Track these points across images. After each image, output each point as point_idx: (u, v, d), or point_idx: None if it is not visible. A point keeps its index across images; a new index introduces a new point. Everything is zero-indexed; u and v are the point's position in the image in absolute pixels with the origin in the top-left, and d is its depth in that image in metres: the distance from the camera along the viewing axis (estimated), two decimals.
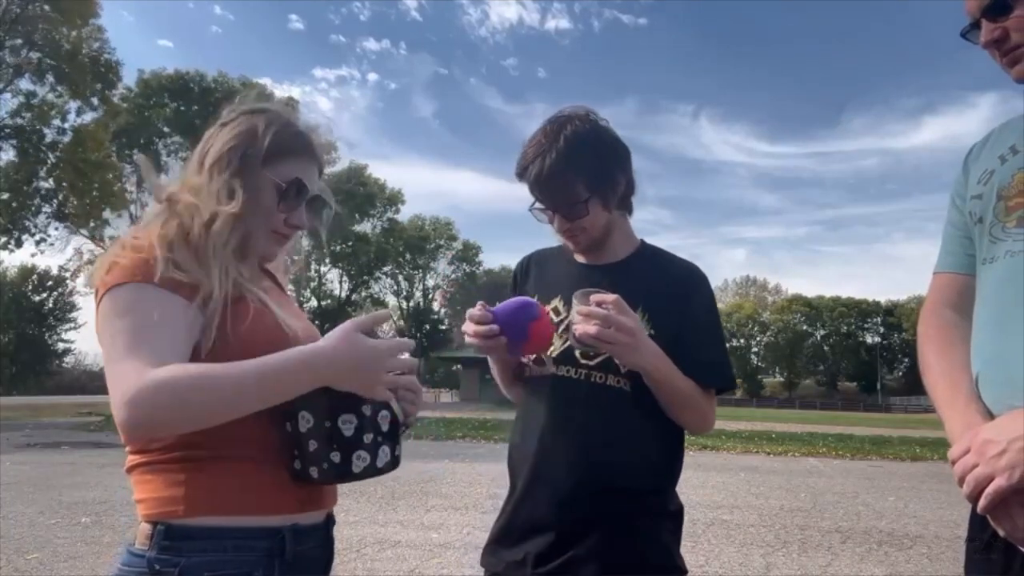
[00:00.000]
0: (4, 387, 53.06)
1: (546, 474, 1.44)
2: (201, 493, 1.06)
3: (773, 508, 7.53)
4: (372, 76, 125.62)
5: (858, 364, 79.75)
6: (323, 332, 1.28)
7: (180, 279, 1.07)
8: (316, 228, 1.32)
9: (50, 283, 61.98)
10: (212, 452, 1.07)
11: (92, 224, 30.70)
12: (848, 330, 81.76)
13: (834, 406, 59.58)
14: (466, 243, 64.12)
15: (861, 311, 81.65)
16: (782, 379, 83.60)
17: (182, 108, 36.54)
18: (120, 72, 29.40)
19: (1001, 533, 0.99)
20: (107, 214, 30.65)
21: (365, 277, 56.31)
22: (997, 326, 1.08)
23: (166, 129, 36.96)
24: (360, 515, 6.12)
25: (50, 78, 26.70)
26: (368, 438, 1.08)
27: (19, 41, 25.90)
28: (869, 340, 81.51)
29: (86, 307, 61.28)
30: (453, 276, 64.46)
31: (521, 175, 1.49)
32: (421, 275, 62.02)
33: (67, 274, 38.48)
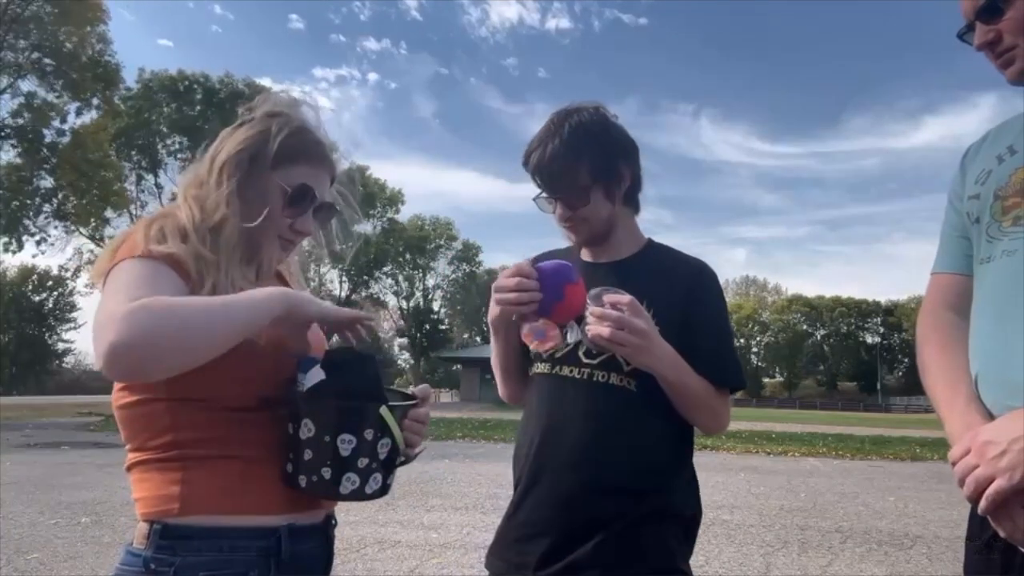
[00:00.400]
0: (4, 387, 53.07)
1: (548, 476, 1.43)
2: (197, 492, 1.06)
3: (773, 508, 7.53)
4: (372, 76, 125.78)
5: (858, 364, 79.80)
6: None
7: (181, 261, 1.07)
8: (327, 235, 1.32)
9: (50, 283, 62.04)
10: (209, 451, 1.08)
11: (93, 224, 30.72)
12: (848, 330, 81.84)
13: (834, 406, 59.54)
14: (466, 243, 64.14)
15: (861, 311, 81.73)
16: (782, 379, 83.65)
17: (184, 109, 36.46)
18: (121, 75, 29.44)
19: (1002, 534, 0.99)
20: (107, 214, 30.69)
21: (365, 277, 56.30)
22: (995, 326, 1.08)
23: (165, 130, 36.90)
24: (360, 515, 6.12)
25: (50, 79, 26.71)
26: (363, 463, 1.07)
27: (22, 42, 25.91)
28: (869, 340, 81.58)
29: (86, 307, 61.39)
30: (453, 276, 64.49)
31: (525, 163, 1.49)
32: (421, 275, 62.03)
33: (67, 274, 38.43)
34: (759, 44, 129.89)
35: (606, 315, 1.31)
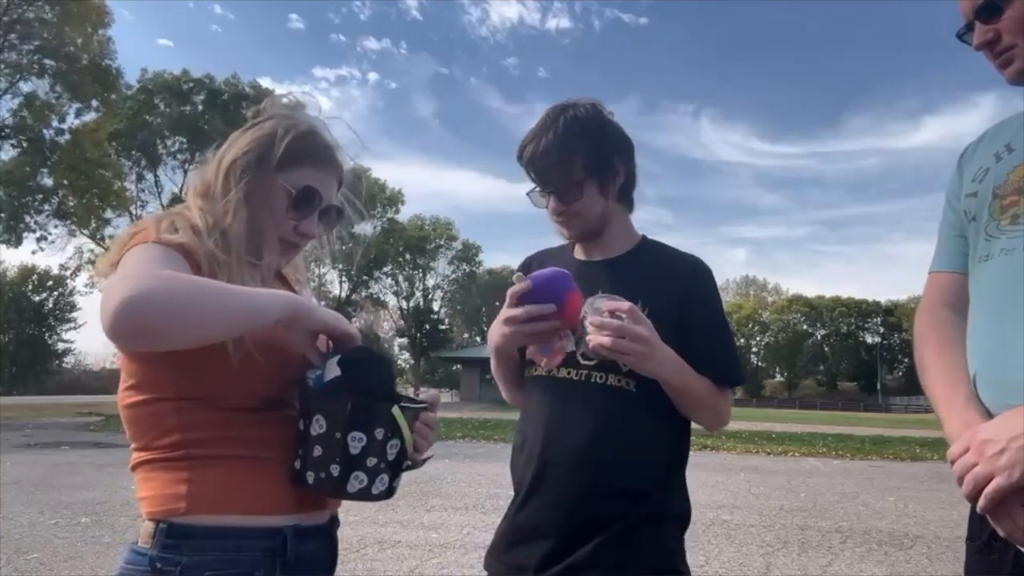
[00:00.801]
0: (4, 387, 53.07)
1: (547, 477, 1.43)
2: (203, 491, 1.06)
3: (773, 508, 7.53)
4: (372, 76, 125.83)
5: (858, 364, 79.78)
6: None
7: (192, 251, 1.09)
8: (332, 238, 1.32)
9: (50, 283, 62.06)
10: (215, 451, 1.08)
11: (93, 225, 30.72)
12: (848, 330, 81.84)
13: (834, 406, 59.52)
14: (466, 243, 64.11)
15: (861, 311, 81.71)
16: (782, 379, 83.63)
17: (186, 109, 36.41)
18: (121, 77, 29.39)
19: (1001, 533, 0.99)
20: (106, 215, 30.70)
21: (365, 277, 56.30)
22: (994, 325, 1.08)
23: (167, 131, 36.85)
24: (360, 515, 6.12)
25: (50, 80, 26.72)
26: (371, 462, 1.07)
27: (25, 46, 25.91)
28: (869, 340, 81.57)
29: (86, 307, 61.40)
30: (453, 276, 64.49)
31: (520, 157, 1.49)
32: (421, 275, 62.00)
33: (67, 273, 38.41)
34: (759, 44, 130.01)
35: (606, 324, 1.31)
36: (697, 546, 5.43)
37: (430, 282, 62.98)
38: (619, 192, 1.52)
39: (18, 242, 28.41)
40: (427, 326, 60.84)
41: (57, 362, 68.54)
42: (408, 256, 59.45)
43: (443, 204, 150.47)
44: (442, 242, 62.20)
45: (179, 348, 0.98)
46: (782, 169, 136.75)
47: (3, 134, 26.61)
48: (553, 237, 1.60)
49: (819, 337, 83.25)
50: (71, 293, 61.94)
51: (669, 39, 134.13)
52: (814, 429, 22.31)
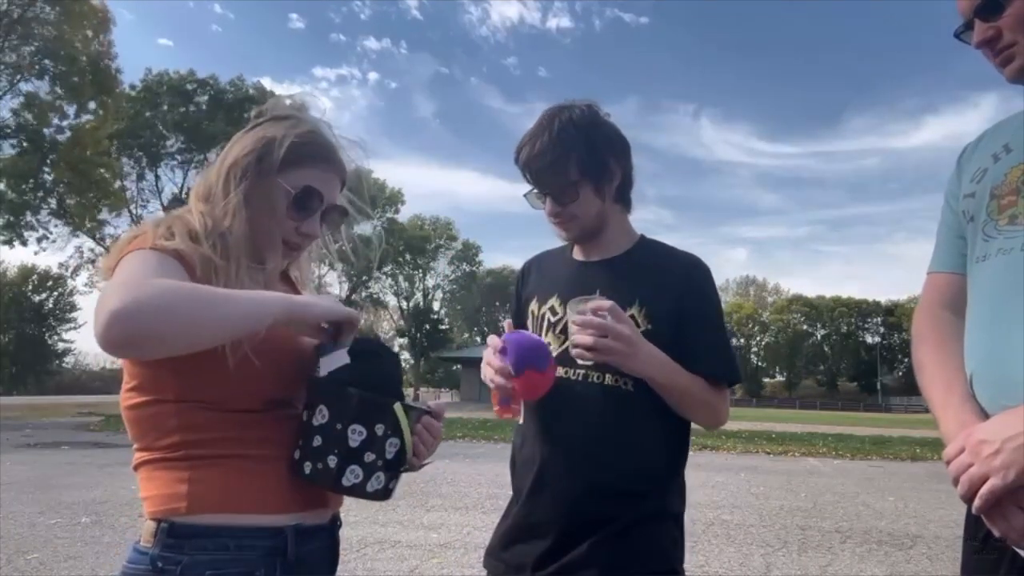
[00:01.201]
0: (4, 387, 53.06)
1: (545, 477, 1.44)
2: (204, 491, 1.06)
3: (773, 508, 7.53)
4: (372, 75, 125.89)
5: (858, 364, 79.79)
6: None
7: (187, 257, 1.08)
8: (338, 238, 1.32)
9: (50, 283, 62.04)
10: (216, 451, 1.08)
11: (90, 224, 30.71)
12: (848, 330, 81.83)
13: (834, 406, 59.52)
14: (466, 243, 64.15)
15: (861, 311, 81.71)
16: (782, 379, 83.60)
17: (189, 109, 36.34)
18: (120, 79, 29.40)
19: (996, 533, 0.99)
20: (106, 214, 30.71)
21: (365, 277, 56.30)
22: (991, 325, 1.08)
23: (167, 132, 36.80)
24: (360, 515, 6.12)
25: (50, 80, 26.72)
26: (369, 457, 1.07)
27: (28, 47, 25.91)
28: (869, 340, 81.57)
29: (86, 307, 61.35)
30: (453, 276, 64.48)
31: (516, 159, 1.50)
32: (421, 275, 61.99)
33: (67, 272, 38.37)
34: (759, 44, 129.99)
35: (587, 322, 1.31)
36: (697, 546, 5.43)
37: (430, 282, 63.08)
38: (616, 193, 1.52)
39: (22, 241, 28.40)
40: (427, 326, 60.85)
41: (57, 362, 68.54)
42: (408, 256, 59.42)
43: (443, 204, 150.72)
44: (442, 242, 62.20)
45: (171, 355, 0.98)
46: (782, 169, 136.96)
47: (3, 134, 26.62)
48: (552, 237, 1.60)
49: (819, 337, 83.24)
50: (71, 293, 62.04)
51: (670, 39, 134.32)
52: (814, 429, 22.30)
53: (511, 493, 1.54)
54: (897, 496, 8.73)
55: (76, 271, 37.15)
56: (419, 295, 62.30)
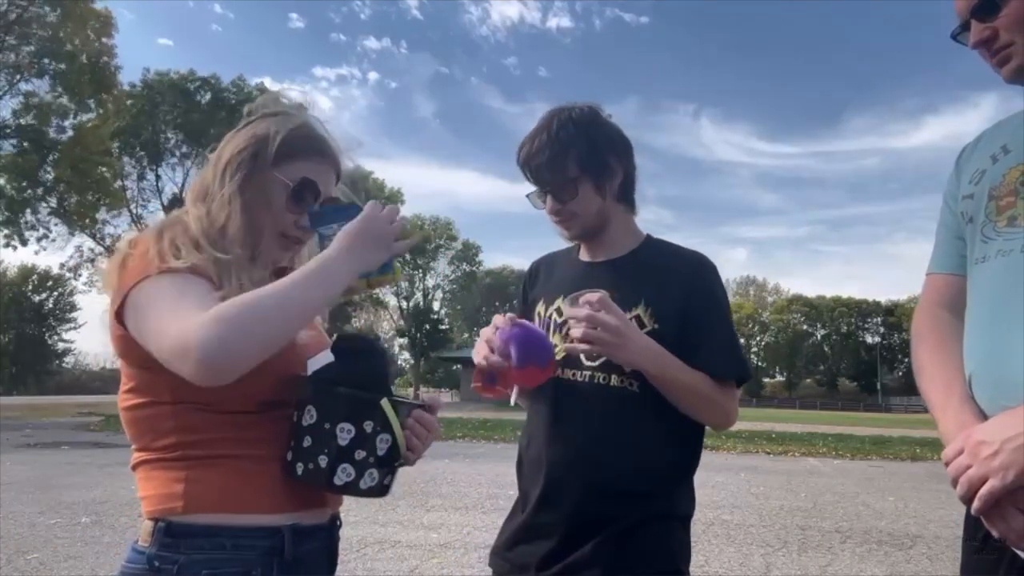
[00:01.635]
0: (4, 387, 53.07)
1: (550, 478, 1.44)
2: (201, 490, 1.06)
3: (773, 508, 7.53)
4: (372, 75, 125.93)
5: (858, 364, 79.76)
6: (329, 335, 1.28)
7: (202, 270, 1.08)
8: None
9: (50, 283, 62.03)
10: (213, 451, 1.08)
11: (88, 221, 30.69)
12: (848, 330, 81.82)
13: (834, 406, 59.53)
14: (466, 243, 64.08)
15: (861, 311, 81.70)
16: (782, 379, 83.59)
17: (189, 109, 36.30)
18: (119, 79, 29.36)
19: (995, 534, 0.99)
20: (104, 213, 30.69)
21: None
22: (990, 326, 1.08)
23: (168, 134, 36.77)
24: (360, 515, 6.12)
25: (50, 80, 26.73)
26: (359, 455, 1.07)
27: (28, 47, 25.89)
28: (869, 340, 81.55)
29: (86, 307, 61.35)
30: (453, 276, 64.45)
31: (517, 158, 1.51)
32: (421, 275, 61.94)
33: (68, 272, 38.36)
34: (759, 44, 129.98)
35: (574, 314, 1.32)
36: (697, 546, 5.42)
37: (430, 282, 62.99)
38: (619, 192, 1.52)
39: (22, 241, 28.37)
40: (427, 326, 60.81)
41: (57, 362, 68.55)
42: (408, 256, 59.42)
43: (443, 204, 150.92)
44: (442, 242, 62.17)
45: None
46: (782, 169, 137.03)
47: (4, 134, 26.61)
48: (552, 238, 1.61)
49: (819, 337, 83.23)
50: (71, 293, 62.01)
51: (670, 39, 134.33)
52: (814, 429, 22.30)
53: (511, 493, 1.54)
54: (897, 496, 8.73)
55: (77, 270, 37.19)
56: (419, 295, 62.29)
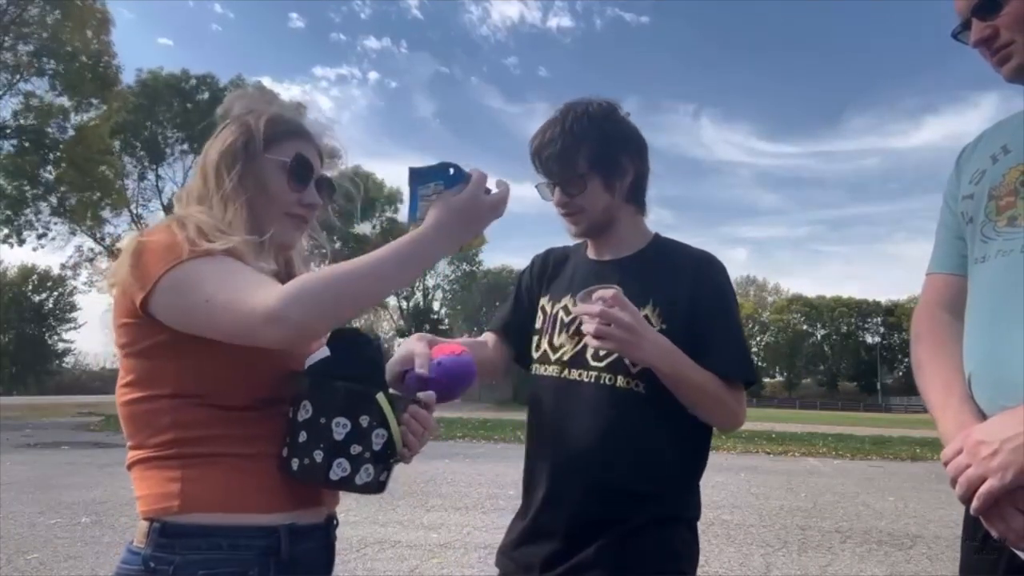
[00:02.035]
0: (4, 387, 53.06)
1: (556, 479, 1.43)
2: (196, 490, 1.06)
3: (773, 508, 7.52)
4: (373, 75, 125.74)
5: (858, 364, 79.78)
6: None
7: (240, 254, 1.09)
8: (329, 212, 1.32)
9: (50, 283, 61.97)
10: (209, 449, 1.08)
11: (90, 220, 30.69)
12: (848, 330, 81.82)
13: (834, 406, 59.55)
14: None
15: (861, 311, 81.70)
16: (782, 379, 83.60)
17: (188, 108, 36.29)
18: (119, 78, 29.36)
19: (994, 534, 0.99)
20: (107, 213, 30.70)
21: None
22: (989, 326, 1.08)
23: (169, 133, 36.79)
24: (360, 515, 6.12)
25: (50, 80, 26.71)
26: (355, 450, 1.06)
27: (22, 46, 25.88)
28: (869, 340, 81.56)
29: (86, 307, 61.30)
30: (453, 276, 64.44)
31: (529, 148, 1.50)
32: (421, 275, 61.93)
33: (68, 272, 38.41)
34: (759, 44, 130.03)
35: (588, 310, 1.31)
36: None
37: (430, 282, 62.98)
38: (629, 191, 1.51)
39: (21, 240, 28.38)
40: (427, 326, 60.78)
41: (57, 362, 68.46)
42: None
43: None
44: None
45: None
46: (782, 169, 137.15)
47: (4, 134, 26.61)
48: (551, 238, 1.60)
49: (819, 337, 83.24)
50: (71, 293, 61.87)
51: (670, 38, 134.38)
52: (814, 429, 22.30)
53: (511, 493, 1.55)
54: (897, 496, 8.73)
55: (77, 270, 37.21)
56: (419, 295, 62.31)
